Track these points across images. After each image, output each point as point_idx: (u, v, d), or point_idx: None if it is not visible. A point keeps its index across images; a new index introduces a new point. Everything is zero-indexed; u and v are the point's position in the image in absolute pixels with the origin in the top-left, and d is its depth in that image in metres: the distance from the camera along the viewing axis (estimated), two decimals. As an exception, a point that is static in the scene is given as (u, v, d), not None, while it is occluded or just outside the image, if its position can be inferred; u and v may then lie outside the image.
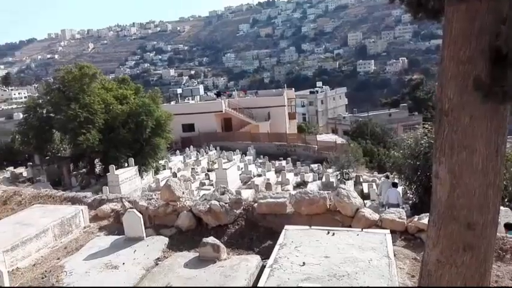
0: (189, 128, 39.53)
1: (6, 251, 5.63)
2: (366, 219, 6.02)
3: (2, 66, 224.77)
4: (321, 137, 38.39)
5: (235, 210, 6.62)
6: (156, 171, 25.02)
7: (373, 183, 20.50)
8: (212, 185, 21.84)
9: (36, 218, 6.67)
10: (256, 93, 54.08)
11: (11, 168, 27.76)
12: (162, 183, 21.55)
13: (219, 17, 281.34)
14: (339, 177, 23.08)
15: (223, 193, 6.78)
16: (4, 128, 42.67)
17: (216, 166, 24.79)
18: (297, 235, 5.39)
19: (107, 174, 20.22)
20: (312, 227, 5.67)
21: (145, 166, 23.16)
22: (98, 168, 24.65)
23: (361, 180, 22.74)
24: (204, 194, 7.00)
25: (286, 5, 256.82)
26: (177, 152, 33.33)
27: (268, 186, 20.50)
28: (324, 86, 79.46)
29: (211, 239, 5.28)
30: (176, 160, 29.92)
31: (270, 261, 4.73)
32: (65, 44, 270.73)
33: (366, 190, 19.77)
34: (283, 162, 28.88)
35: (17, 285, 5.23)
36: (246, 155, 31.93)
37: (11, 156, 31.14)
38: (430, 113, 50.14)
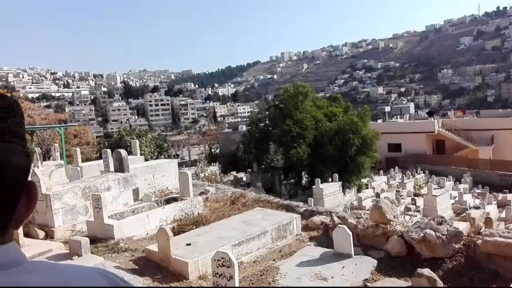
0: (395, 147, 37.95)
1: (234, 245, 6.53)
2: None
3: (232, 85, 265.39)
4: None
5: (453, 244, 5.97)
6: (359, 190, 24.88)
7: None
8: (419, 211, 20.36)
9: (258, 219, 7.53)
10: (478, 114, 47.99)
11: (234, 173, 32.29)
12: (364, 202, 21.36)
13: (437, 31, 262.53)
14: None
15: (440, 223, 6.22)
16: (231, 138, 50.15)
17: (423, 191, 23.04)
18: (538, 288, 4.47)
19: (313, 186, 21.22)
20: (559, 282, 4.61)
21: (348, 183, 23.30)
22: (304, 180, 26.15)
23: None
24: (417, 221, 6.58)
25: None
26: (381, 172, 32.40)
27: (488, 221, 17.63)
28: None
29: (427, 271, 4.89)
30: (379, 180, 29.11)
31: (500, 312, 4.07)
32: (283, 65, 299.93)
33: None
34: (509, 196, 24.56)
35: (240, 277, 5.99)
36: (460, 183, 28.62)
37: (235, 163, 36.29)
38: None
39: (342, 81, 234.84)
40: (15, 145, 0.63)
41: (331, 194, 20.87)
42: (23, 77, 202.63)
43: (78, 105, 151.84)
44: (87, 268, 0.71)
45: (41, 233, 8.23)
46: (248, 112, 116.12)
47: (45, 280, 0.59)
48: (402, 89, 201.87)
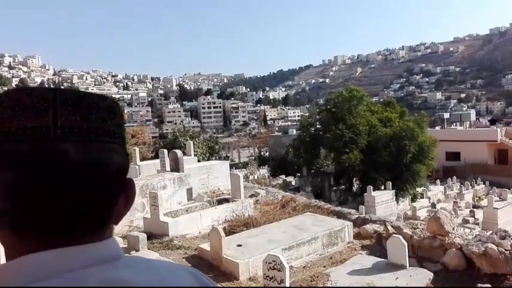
0: (453, 156, 36.15)
1: (285, 249, 6.55)
2: None
3: (283, 89, 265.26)
4: None
5: (518, 261, 5.61)
6: (413, 199, 23.96)
7: None
8: (477, 224, 19.27)
9: (308, 224, 7.50)
10: (547, 123, 44.62)
11: (283, 176, 32.25)
12: (418, 212, 20.51)
13: (502, 35, 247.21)
14: None
15: (503, 237, 5.87)
16: (280, 141, 50.15)
17: (483, 203, 21.78)
18: None
19: (364, 194, 20.72)
20: None
21: (402, 191, 22.49)
22: (355, 187, 25.59)
23: None
24: (477, 235, 6.26)
25: None
26: (437, 181, 31.01)
27: (557, 239, 16.41)
28: None
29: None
30: (436, 190, 27.86)
31: None
32: (336, 69, 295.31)
33: None
34: None
35: (290, 281, 6.00)
36: (526, 196, 26.68)
37: (284, 166, 36.26)
38: None
39: (398, 85, 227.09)
40: (115, 145, 0.64)
41: (384, 202, 20.25)
42: (86, 79, 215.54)
43: (136, 106, 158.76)
44: (177, 265, 0.73)
45: (102, 227, 8.69)
46: (298, 116, 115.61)
47: (143, 278, 0.61)
48: (462, 95, 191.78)
